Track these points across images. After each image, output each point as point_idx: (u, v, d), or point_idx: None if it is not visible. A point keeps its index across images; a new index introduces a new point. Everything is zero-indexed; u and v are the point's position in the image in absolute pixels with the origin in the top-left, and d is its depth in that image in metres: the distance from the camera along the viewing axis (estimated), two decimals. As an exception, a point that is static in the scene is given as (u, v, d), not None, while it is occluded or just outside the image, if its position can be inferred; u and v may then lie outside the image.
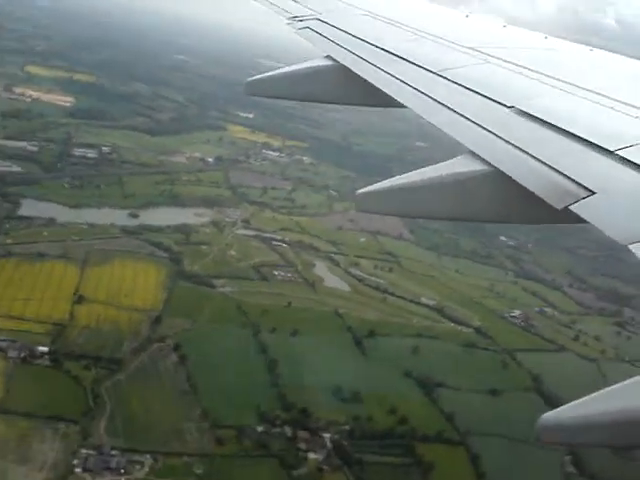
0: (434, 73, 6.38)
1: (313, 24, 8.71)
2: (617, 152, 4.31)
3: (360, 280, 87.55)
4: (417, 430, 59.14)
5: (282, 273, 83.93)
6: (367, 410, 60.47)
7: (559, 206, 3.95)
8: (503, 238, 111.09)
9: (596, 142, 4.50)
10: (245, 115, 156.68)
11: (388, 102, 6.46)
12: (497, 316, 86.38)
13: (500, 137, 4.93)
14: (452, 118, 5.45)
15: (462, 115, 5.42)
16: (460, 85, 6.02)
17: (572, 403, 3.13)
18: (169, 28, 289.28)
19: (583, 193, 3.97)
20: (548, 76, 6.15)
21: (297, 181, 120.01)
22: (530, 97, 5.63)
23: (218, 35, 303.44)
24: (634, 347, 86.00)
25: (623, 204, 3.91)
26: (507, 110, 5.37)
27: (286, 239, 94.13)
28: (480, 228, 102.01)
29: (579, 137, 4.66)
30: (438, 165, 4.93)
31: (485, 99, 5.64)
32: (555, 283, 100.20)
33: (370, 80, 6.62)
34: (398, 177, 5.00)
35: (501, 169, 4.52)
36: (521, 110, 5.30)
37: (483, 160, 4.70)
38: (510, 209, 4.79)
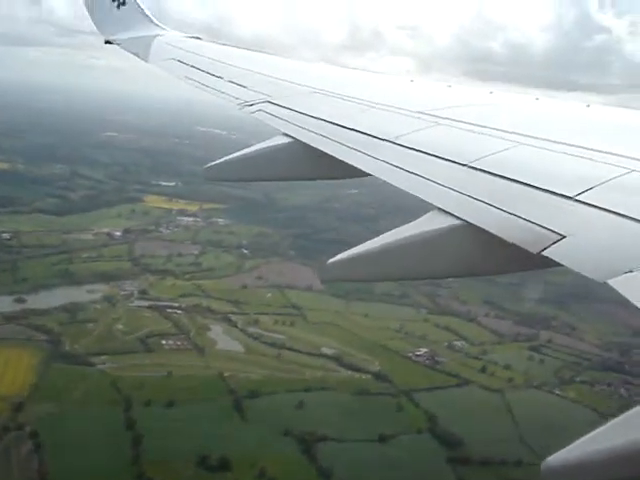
0: (389, 141, 6.48)
1: (264, 106, 8.76)
2: (577, 197, 4.48)
3: (256, 338, 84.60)
4: (284, 493, 55.70)
5: (171, 342, 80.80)
6: (234, 477, 57.02)
7: (535, 251, 4.01)
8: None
9: (555, 190, 4.64)
10: (166, 184, 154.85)
11: (351, 173, 6.55)
12: (400, 357, 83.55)
13: (463, 193, 5.03)
14: (416, 181, 5.52)
15: (424, 177, 5.51)
16: (415, 150, 6.14)
17: (578, 441, 2.96)
18: (104, 106, 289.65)
19: (553, 237, 4.07)
20: (498, 130, 6.26)
21: (207, 244, 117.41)
22: (483, 153, 5.67)
23: (157, 109, 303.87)
24: (546, 370, 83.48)
25: (593, 244, 4.05)
26: (464, 168, 5.47)
27: (183, 305, 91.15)
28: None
29: (538, 187, 4.77)
30: (408, 225, 4.86)
31: (441, 160, 5.76)
32: (470, 315, 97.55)
33: (331, 153, 6.67)
34: (369, 242, 4.86)
35: (471, 222, 4.60)
36: (476, 167, 5.40)
37: (452, 215, 4.75)
38: (484, 261, 4.82)
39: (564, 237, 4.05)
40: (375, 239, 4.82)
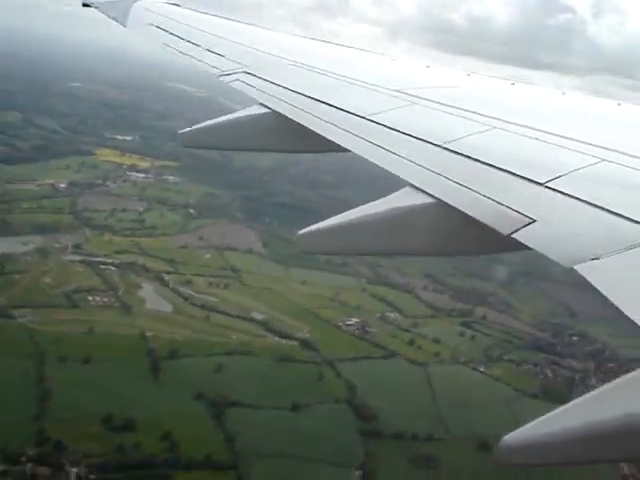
0: (365, 118, 6.46)
1: (242, 77, 8.68)
2: (547, 184, 4.55)
3: (187, 299, 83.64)
4: (183, 456, 55.06)
5: (98, 298, 79.55)
6: (137, 438, 56.28)
7: (505, 233, 4.08)
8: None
9: (527, 175, 4.71)
10: (122, 138, 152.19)
11: (327, 147, 6.57)
12: (331, 325, 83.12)
13: (436, 172, 5.07)
14: (391, 158, 5.53)
15: (399, 155, 5.52)
16: (391, 128, 6.13)
17: (538, 420, 2.98)
18: (75, 56, 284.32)
19: (524, 221, 4.14)
20: (473, 112, 6.34)
21: (153, 201, 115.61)
22: (458, 135, 5.73)
23: (130, 61, 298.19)
24: (476, 346, 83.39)
25: (561, 230, 4.10)
26: (438, 149, 5.51)
27: (116, 262, 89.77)
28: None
29: (510, 171, 4.83)
30: (380, 200, 4.86)
31: (416, 140, 5.77)
32: (408, 287, 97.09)
33: (309, 126, 6.69)
34: (342, 214, 4.80)
35: (444, 200, 4.65)
36: (451, 149, 5.43)
37: (425, 193, 4.80)
38: (455, 240, 4.89)
39: (534, 221, 4.11)
40: (347, 212, 4.81)
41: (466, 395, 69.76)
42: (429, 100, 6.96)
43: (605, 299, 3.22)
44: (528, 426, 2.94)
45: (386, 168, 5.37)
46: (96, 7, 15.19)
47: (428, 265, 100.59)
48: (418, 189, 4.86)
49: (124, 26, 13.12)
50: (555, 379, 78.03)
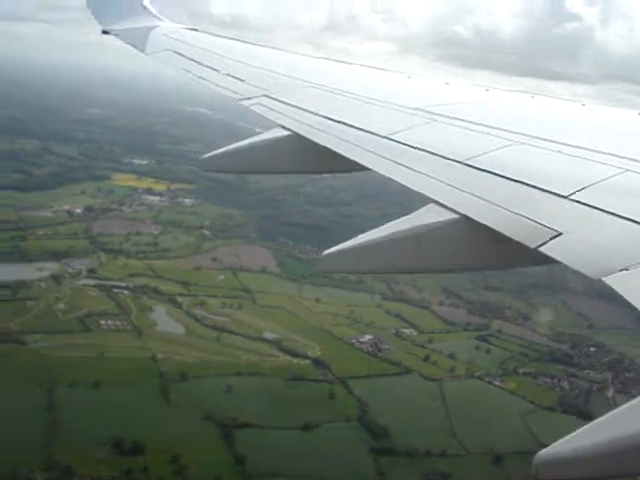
0: (385, 137, 6.54)
1: (262, 100, 8.85)
2: (571, 196, 4.55)
3: (198, 320, 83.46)
4: (192, 479, 54.72)
5: (110, 322, 79.63)
6: (145, 461, 56.10)
7: (532, 246, 4.08)
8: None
9: (550, 189, 4.73)
10: (139, 162, 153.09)
11: (348, 167, 6.69)
12: (344, 343, 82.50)
13: (460, 189, 5.10)
14: (414, 176, 5.59)
15: (421, 172, 5.59)
16: (411, 146, 6.18)
17: (571, 435, 3.00)
18: (94, 83, 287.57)
19: (550, 234, 4.13)
20: (494, 128, 6.34)
21: (168, 224, 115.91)
22: (479, 151, 5.75)
23: (150, 87, 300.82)
24: (492, 360, 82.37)
25: (588, 242, 4.08)
26: (459, 165, 5.53)
27: (130, 285, 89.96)
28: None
29: (533, 185, 4.84)
30: (405, 218, 4.90)
31: (436, 157, 5.82)
32: (424, 302, 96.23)
33: (331, 147, 6.77)
34: (367, 233, 4.81)
35: (470, 216, 4.67)
36: (472, 165, 5.46)
37: (449, 209, 4.82)
38: (482, 255, 4.89)
39: (560, 234, 4.11)
40: (371, 231, 4.80)
41: (481, 410, 68.80)
42: (448, 117, 7.02)
43: (627, 310, 3.23)
44: (562, 440, 2.94)
45: (409, 186, 5.40)
46: (115, 34, 15.46)
47: (445, 280, 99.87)
48: (443, 206, 4.87)
49: (143, 52, 13.27)
50: (572, 391, 76.74)
